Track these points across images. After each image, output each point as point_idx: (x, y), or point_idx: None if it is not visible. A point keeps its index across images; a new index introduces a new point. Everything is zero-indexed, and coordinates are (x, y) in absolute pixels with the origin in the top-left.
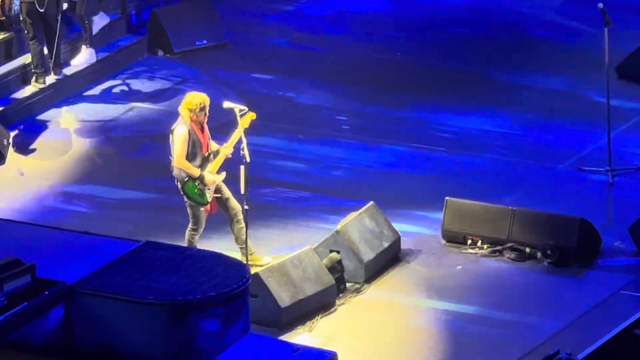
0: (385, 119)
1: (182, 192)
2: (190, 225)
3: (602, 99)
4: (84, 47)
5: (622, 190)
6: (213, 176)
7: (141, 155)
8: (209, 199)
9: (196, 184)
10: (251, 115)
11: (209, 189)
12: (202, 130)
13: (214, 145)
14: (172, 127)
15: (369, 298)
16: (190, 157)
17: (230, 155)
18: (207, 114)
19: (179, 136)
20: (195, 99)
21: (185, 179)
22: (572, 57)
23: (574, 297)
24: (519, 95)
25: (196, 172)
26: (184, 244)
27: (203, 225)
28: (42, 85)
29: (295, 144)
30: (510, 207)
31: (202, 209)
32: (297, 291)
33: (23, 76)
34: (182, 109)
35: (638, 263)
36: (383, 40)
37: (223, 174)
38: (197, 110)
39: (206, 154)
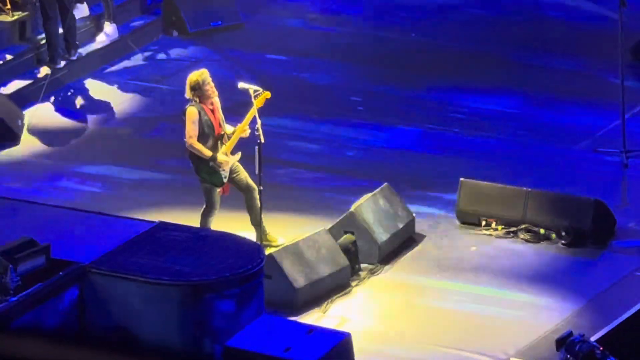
0: (400, 99)
1: (197, 174)
2: (204, 206)
3: (617, 80)
4: (106, 23)
5: (637, 172)
6: (226, 157)
7: (156, 136)
8: (225, 180)
9: (210, 165)
10: (266, 95)
11: (223, 170)
12: (213, 111)
13: (228, 126)
14: (184, 109)
15: (383, 279)
16: (203, 138)
17: (246, 136)
18: (214, 88)
19: (188, 117)
20: (193, 76)
21: (199, 160)
22: (586, 38)
23: (588, 279)
24: (534, 76)
25: (208, 153)
26: (199, 224)
27: (217, 207)
28: (57, 66)
29: (310, 124)
30: (524, 188)
31: (217, 190)
32: (312, 272)
33: (37, 57)
34: (188, 93)
35: None
36: (398, 21)
37: (238, 155)
38: (201, 85)
39: (218, 135)
